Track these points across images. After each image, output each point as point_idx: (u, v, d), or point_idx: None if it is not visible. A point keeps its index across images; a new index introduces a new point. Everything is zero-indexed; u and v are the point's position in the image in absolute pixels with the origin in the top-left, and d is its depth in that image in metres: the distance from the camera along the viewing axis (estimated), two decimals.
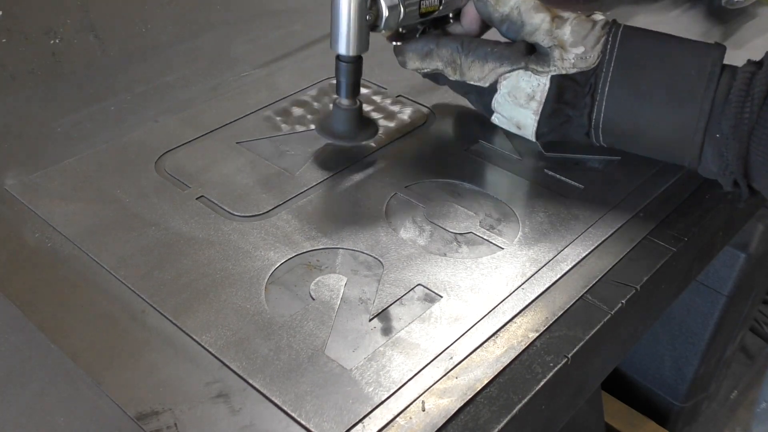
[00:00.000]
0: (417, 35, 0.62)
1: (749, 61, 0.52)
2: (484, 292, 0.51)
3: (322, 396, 0.43)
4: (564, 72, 0.56)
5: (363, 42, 0.58)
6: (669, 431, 1.11)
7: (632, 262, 0.54)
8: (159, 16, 0.80)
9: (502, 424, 0.43)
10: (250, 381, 0.44)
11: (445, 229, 0.56)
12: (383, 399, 0.43)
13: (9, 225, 0.55)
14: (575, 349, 0.47)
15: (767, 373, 0.81)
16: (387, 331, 0.48)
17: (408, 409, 0.43)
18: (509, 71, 0.57)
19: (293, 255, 0.53)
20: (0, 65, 0.70)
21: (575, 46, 0.55)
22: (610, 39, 0.55)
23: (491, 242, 0.55)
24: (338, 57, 0.59)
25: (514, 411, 0.43)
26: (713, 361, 1.07)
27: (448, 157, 0.64)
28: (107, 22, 0.76)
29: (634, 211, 0.58)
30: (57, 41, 0.73)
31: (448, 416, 0.42)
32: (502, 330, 0.48)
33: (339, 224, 0.56)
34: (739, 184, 0.53)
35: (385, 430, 0.42)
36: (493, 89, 0.59)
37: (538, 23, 0.56)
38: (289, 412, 0.42)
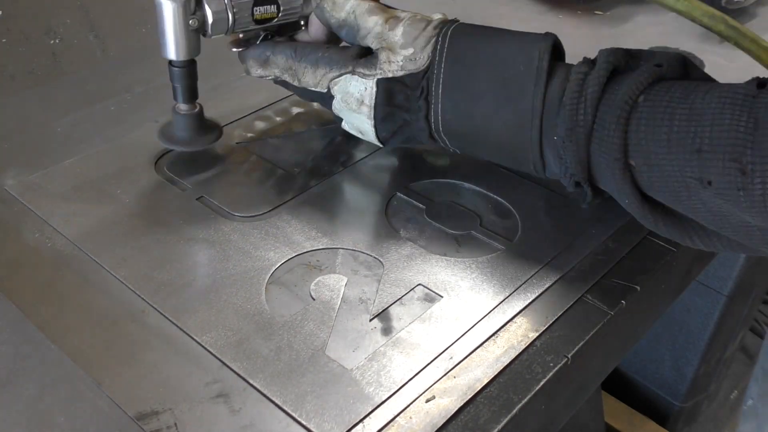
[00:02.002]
0: (258, 39, 0.61)
1: (584, 60, 0.50)
2: (484, 292, 0.51)
3: (322, 396, 0.43)
4: (390, 75, 0.54)
5: (191, 46, 0.56)
6: (669, 431, 1.11)
7: (632, 262, 0.54)
8: None
9: (502, 424, 0.43)
10: (251, 381, 0.44)
11: (445, 229, 0.56)
12: (384, 399, 0.43)
13: (9, 225, 0.55)
14: (575, 349, 0.47)
15: (755, 371, 0.81)
16: (387, 331, 0.48)
17: (408, 408, 0.43)
18: (338, 76, 0.56)
19: (293, 255, 0.53)
20: (0, 65, 0.70)
21: (405, 47, 0.54)
22: (440, 39, 0.53)
23: (491, 242, 0.55)
24: (170, 62, 0.57)
25: (514, 411, 0.43)
26: (713, 361, 1.07)
27: (449, 157, 0.64)
28: (107, 22, 0.76)
29: None
30: (57, 41, 0.73)
31: (448, 416, 0.42)
32: (502, 330, 0.48)
33: (339, 224, 0.56)
34: (581, 185, 0.51)
35: (385, 429, 0.42)
36: (330, 95, 0.58)
37: (371, 26, 0.55)
38: (289, 412, 0.42)
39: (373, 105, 0.56)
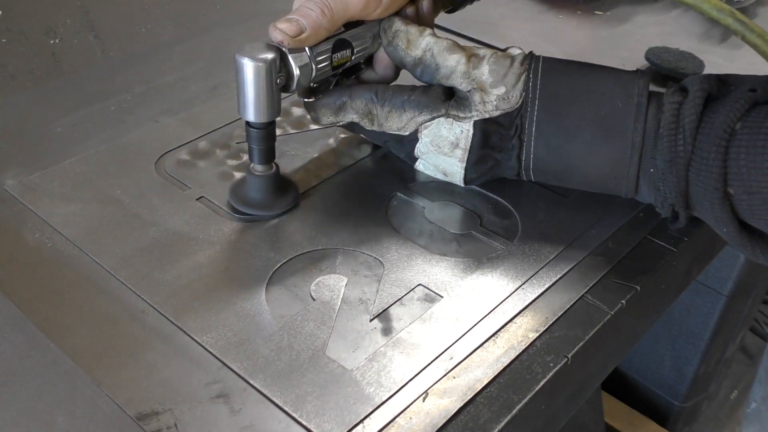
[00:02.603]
0: (330, 87, 0.58)
1: (674, 87, 0.50)
2: (484, 292, 0.51)
3: (323, 396, 0.43)
4: (487, 116, 0.53)
5: (275, 107, 0.52)
6: (669, 431, 1.11)
7: (632, 262, 0.54)
8: (159, 16, 0.80)
9: (502, 424, 0.43)
10: (251, 381, 0.44)
11: (445, 229, 0.56)
12: (384, 399, 0.43)
13: (9, 225, 0.55)
14: (575, 349, 0.47)
15: (758, 373, 0.81)
16: (387, 331, 0.48)
17: (408, 409, 0.43)
18: (429, 119, 0.54)
19: (293, 255, 0.53)
20: (0, 65, 0.70)
21: (495, 86, 0.52)
22: (531, 76, 0.52)
23: (491, 242, 0.55)
24: (248, 123, 0.53)
25: (514, 411, 0.43)
26: (713, 361, 1.07)
27: None
28: (107, 22, 0.76)
29: (634, 210, 0.58)
30: (57, 41, 0.73)
31: (448, 416, 0.42)
32: (502, 330, 0.48)
33: (339, 224, 0.56)
34: (677, 212, 0.51)
35: (385, 430, 0.42)
36: (414, 138, 0.56)
37: (453, 65, 0.53)
38: (290, 412, 0.42)
39: (468, 148, 0.54)
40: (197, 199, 0.58)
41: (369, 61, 0.59)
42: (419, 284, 0.51)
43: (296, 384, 0.44)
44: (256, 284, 0.50)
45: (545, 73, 0.52)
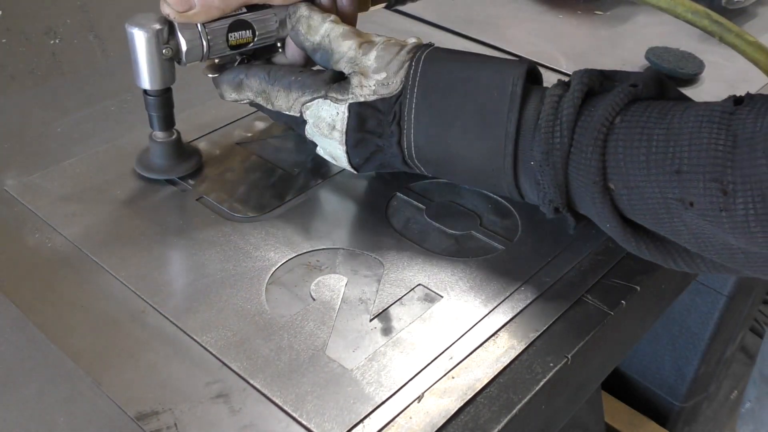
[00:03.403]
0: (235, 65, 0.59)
1: (559, 82, 0.50)
2: (484, 292, 0.51)
3: (323, 396, 0.43)
4: (363, 99, 0.53)
5: (166, 76, 0.55)
6: (669, 431, 1.11)
7: (632, 262, 0.54)
8: None
9: (502, 424, 0.43)
10: (251, 381, 0.44)
11: (445, 229, 0.56)
12: (384, 399, 0.43)
13: (9, 225, 0.55)
14: (575, 349, 0.47)
15: (752, 374, 0.81)
16: (387, 331, 0.48)
17: (408, 408, 0.43)
18: (310, 100, 0.55)
19: (293, 255, 0.53)
20: (0, 65, 0.70)
21: (378, 72, 0.53)
22: (413, 64, 0.52)
23: (491, 242, 0.55)
24: (145, 91, 0.56)
25: (514, 411, 0.43)
26: (713, 361, 1.07)
27: None
28: (107, 22, 0.76)
29: None
30: (57, 41, 0.73)
31: (448, 416, 0.42)
32: (502, 330, 0.48)
33: (339, 224, 0.56)
34: (561, 211, 0.51)
35: (385, 429, 0.42)
36: (303, 119, 0.56)
37: (344, 51, 0.54)
38: (290, 412, 0.42)
39: (344, 130, 0.54)
40: (197, 200, 0.58)
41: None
42: (419, 284, 0.51)
43: (296, 384, 0.44)
44: (256, 284, 0.50)
45: (427, 62, 0.52)
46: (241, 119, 0.68)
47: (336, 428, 0.41)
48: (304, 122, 0.56)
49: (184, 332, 0.47)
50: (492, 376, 0.45)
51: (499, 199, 0.59)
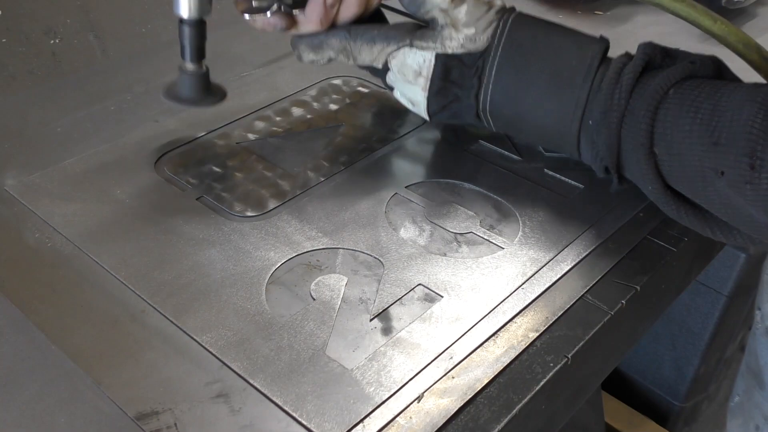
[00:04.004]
0: (271, 9, 0.59)
1: (626, 53, 0.54)
2: (484, 292, 0.51)
3: (323, 396, 0.43)
4: (450, 51, 0.56)
5: (203, 5, 0.57)
6: (669, 431, 1.11)
7: (632, 262, 0.54)
8: (159, 16, 0.80)
9: (502, 424, 0.43)
10: (251, 381, 0.44)
11: (445, 229, 0.56)
12: (384, 399, 0.43)
13: (9, 225, 0.55)
14: (575, 349, 0.47)
15: (740, 368, 0.81)
16: (387, 331, 0.48)
17: (408, 408, 0.43)
18: (396, 49, 0.58)
19: (293, 255, 0.53)
20: (0, 65, 0.70)
21: (467, 26, 0.56)
22: (500, 24, 0.56)
23: (491, 242, 0.55)
24: (180, 21, 0.57)
25: (514, 411, 0.43)
26: (713, 361, 1.07)
27: (449, 157, 0.64)
28: (107, 22, 0.76)
29: (635, 210, 0.58)
30: (57, 41, 0.73)
31: (448, 416, 0.42)
32: (502, 330, 0.48)
33: (339, 224, 0.56)
34: (609, 171, 0.54)
35: (385, 429, 0.42)
36: (386, 68, 0.60)
37: (437, 1, 0.56)
38: (290, 412, 0.42)
39: (429, 77, 0.57)
40: (197, 199, 0.58)
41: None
42: (419, 284, 0.51)
43: (296, 383, 0.44)
44: (256, 284, 0.50)
45: (514, 24, 0.56)
46: (241, 119, 0.68)
47: (336, 428, 0.41)
48: (386, 71, 0.60)
49: (184, 332, 0.47)
50: (492, 376, 0.45)
51: (500, 198, 0.59)
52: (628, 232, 0.56)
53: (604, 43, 0.55)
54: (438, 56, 0.57)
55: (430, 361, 0.45)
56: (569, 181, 0.61)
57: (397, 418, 0.42)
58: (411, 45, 0.58)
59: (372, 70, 0.62)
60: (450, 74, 0.57)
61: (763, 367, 0.72)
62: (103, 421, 0.42)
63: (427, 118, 0.61)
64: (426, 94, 0.59)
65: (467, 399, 0.43)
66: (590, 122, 0.53)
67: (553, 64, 0.54)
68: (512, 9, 0.58)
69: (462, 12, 0.56)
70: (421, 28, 0.58)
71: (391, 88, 0.62)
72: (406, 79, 0.59)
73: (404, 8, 0.60)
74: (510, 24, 0.56)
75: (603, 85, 0.52)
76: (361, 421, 0.42)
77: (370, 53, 0.59)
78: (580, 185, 0.61)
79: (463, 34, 0.56)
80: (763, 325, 0.72)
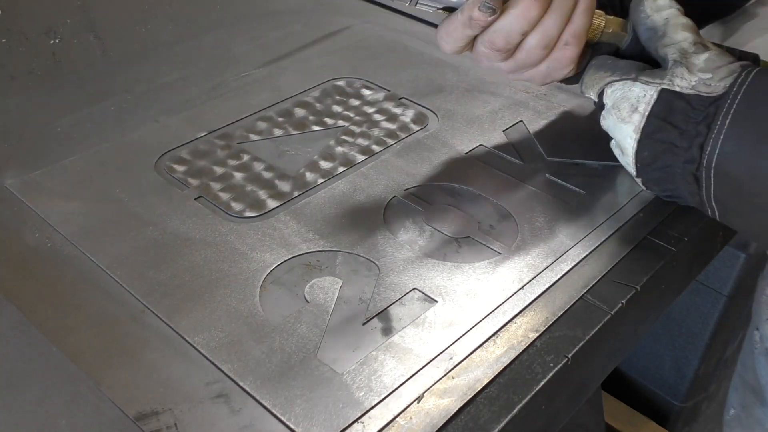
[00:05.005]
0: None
1: None
2: (479, 297, 0.50)
3: (312, 400, 0.43)
4: (678, 89, 0.51)
5: None
6: (669, 431, 1.11)
7: (632, 262, 0.54)
8: (159, 16, 0.80)
9: (502, 424, 0.43)
10: (241, 383, 0.44)
11: (443, 233, 0.56)
12: (374, 404, 0.43)
13: (9, 224, 0.55)
14: (575, 349, 0.47)
15: (732, 381, 0.81)
16: (380, 335, 0.47)
17: (408, 409, 0.43)
18: (617, 80, 0.54)
19: (289, 257, 0.53)
20: (0, 65, 0.70)
21: (703, 72, 0.51)
22: (743, 73, 0.50)
23: (489, 247, 0.55)
24: None
25: (514, 411, 0.43)
26: (713, 361, 1.07)
27: (449, 161, 0.64)
28: (107, 22, 0.76)
29: (635, 211, 0.58)
30: (57, 41, 0.73)
31: (448, 416, 0.42)
32: (502, 330, 0.48)
33: (336, 227, 0.56)
34: None
35: (385, 430, 0.42)
36: (601, 104, 0.55)
37: (679, 39, 0.53)
38: (278, 415, 0.42)
39: (646, 114, 0.52)
40: (196, 199, 0.58)
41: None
42: (414, 288, 0.51)
43: (286, 386, 0.44)
44: (250, 285, 0.50)
45: (758, 76, 0.50)
46: (241, 119, 0.68)
47: None
48: (602, 107, 0.55)
49: (176, 332, 0.47)
50: (492, 376, 0.45)
51: (499, 203, 0.59)
52: (628, 232, 0.56)
53: None
54: (662, 92, 0.51)
55: (421, 366, 0.45)
56: (570, 186, 0.61)
57: (397, 419, 0.42)
58: (635, 79, 0.53)
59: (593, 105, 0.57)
60: (671, 114, 0.51)
61: (765, 386, 0.72)
62: (105, 423, 0.42)
63: (633, 171, 0.54)
64: (637, 136, 0.52)
65: (467, 399, 0.43)
66: None
67: None
68: (757, 61, 0.52)
69: (701, 59, 0.51)
70: (649, 69, 0.54)
71: (608, 138, 0.57)
72: (620, 115, 0.53)
73: (640, 37, 0.56)
74: (753, 75, 0.49)
75: None
76: (359, 420, 0.42)
77: (591, 78, 0.56)
78: (582, 191, 0.60)
79: (697, 77, 0.50)
80: (762, 346, 0.71)
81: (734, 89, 0.49)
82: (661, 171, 0.53)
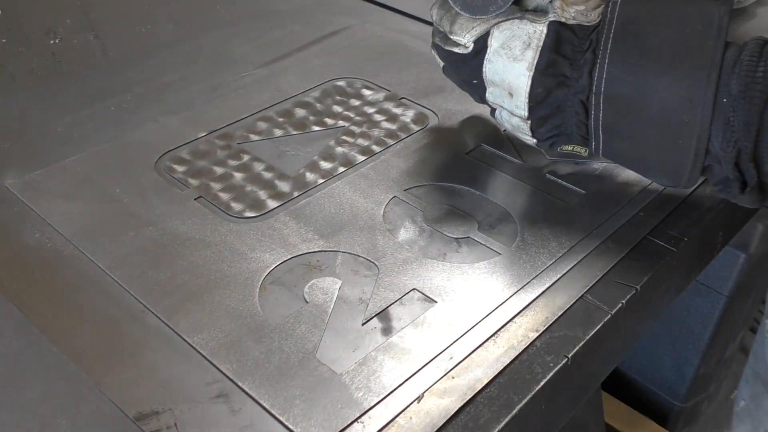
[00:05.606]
0: None
1: (759, 37, 0.50)
2: (478, 297, 0.50)
3: (311, 400, 0.43)
4: (563, 20, 0.53)
5: None
6: (669, 431, 1.11)
7: (632, 262, 0.54)
8: (159, 16, 0.80)
9: (502, 424, 0.43)
10: (240, 383, 0.44)
11: (442, 233, 0.56)
12: (372, 404, 0.43)
13: (9, 225, 0.55)
14: (575, 349, 0.47)
15: (744, 373, 0.81)
16: (380, 335, 0.47)
17: (408, 409, 0.43)
18: (504, 21, 0.54)
19: (289, 257, 0.53)
20: (0, 65, 0.70)
21: (576, 4, 0.53)
22: (611, 3, 0.53)
23: (489, 247, 0.55)
24: None
25: (514, 411, 0.43)
26: (713, 361, 1.07)
27: (449, 161, 0.64)
28: (107, 22, 0.76)
29: (635, 210, 0.58)
30: (57, 41, 0.73)
31: (448, 416, 0.42)
32: (502, 330, 0.48)
33: (336, 227, 0.56)
34: (742, 171, 0.49)
35: (385, 429, 0.42)
36: (482, 49, 0.55)
37: None
38: (277, 415, 0.42)
39: (539, 48, 0.53)
40: (195, 199, 0.58)
41: None
42: (413, 288, 0.51)
43: (285, 387, 0.44)
44: (249, 285, 0.50)
45: (624, 2, 0.53)
46: (241, 120, 0.68)
47: None
48: (481, 52, 0.55)
49: (175, 332, 0.47)
50: (492, 376, 0.45)
51: (499, 203, 0.59)
52: (628, 232, 0.56)
53: (728, 3, 0.49)
54: (551, 24, 0.53)
55: (420, 367, 0.45)
56: (571, 186, 0.61)
57: (397, 418, 0.42)
58: (522, 18, 0.54)
59: (458, 61, 0.57)
60: (561, 46, 0.53)
61: None
62: (105, 423, 0.42)
63: (525, 110, 0.55)
64: (531, 73, 0.53)
65: (467, 399, 0.43)
66: (724, 100, 0.48)
67: (676, 31, 0.50)
68: None
69: None
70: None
71: (483, 88, 0.58)
72: (512, 54, 0.54)
73: None
74: (621, 2, 0.52)
75: (743, 57, 0.47)
76: (358, 420, 0.42)
77: (470, 21, 0.55)
78: (582, 190, 0.60)
79: (574, 9, 0.53)
80: None
81: (608, 16, 0.52)
82: (551, 107, 0.55)
